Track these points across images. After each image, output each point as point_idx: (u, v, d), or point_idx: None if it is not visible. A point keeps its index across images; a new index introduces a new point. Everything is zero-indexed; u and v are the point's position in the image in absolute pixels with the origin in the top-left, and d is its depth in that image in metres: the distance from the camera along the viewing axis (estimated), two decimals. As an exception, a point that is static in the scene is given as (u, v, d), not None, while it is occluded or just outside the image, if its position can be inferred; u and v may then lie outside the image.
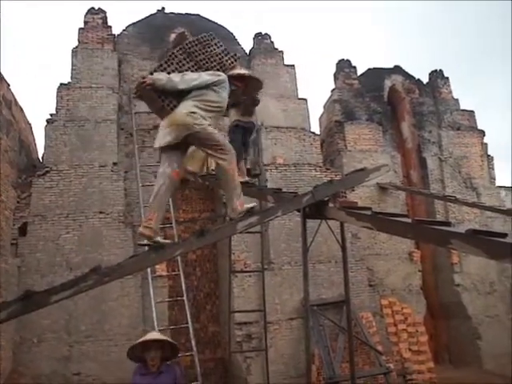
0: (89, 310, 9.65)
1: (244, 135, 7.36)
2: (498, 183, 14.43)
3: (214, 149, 4.52)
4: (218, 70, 4.81)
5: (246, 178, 7.17)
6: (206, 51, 4.86)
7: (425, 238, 3.72)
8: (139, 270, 7.42)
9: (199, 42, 4.87)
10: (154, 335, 5.05)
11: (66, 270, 9.75)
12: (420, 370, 10.90)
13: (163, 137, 4.48)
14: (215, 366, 11.09)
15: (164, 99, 4.46)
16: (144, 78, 4.42)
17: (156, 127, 11.45)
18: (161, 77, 4.45)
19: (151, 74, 4.43)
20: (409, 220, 3.73)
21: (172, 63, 4.62)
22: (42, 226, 10.01)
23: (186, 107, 4.46)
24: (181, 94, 4.51)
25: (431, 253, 13.26)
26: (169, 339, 5.00)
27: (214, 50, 4.90)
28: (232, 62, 4.97)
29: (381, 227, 4.03)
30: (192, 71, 4.66)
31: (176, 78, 4.50)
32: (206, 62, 4.80)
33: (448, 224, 3.46)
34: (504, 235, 2.98)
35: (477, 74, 49.77)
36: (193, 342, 9.62)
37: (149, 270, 9.60)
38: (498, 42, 51.86)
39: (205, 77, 4.61)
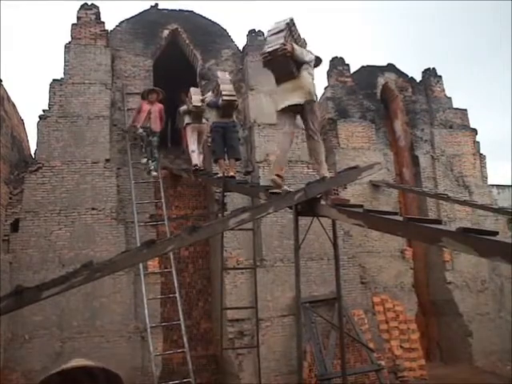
0: (81, 307, 9.64)
1: (224, 135, 8.61)
2: (493, 181, 14.50)
3: (316, 122, 5.70)
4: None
5: (231, 173, 8.36)
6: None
7: (415, 235, 3.76)
8: (130, 266, 7.44)
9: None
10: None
11: (59, 266, 9.72)
12: (411, 367, 10.96)
13: (290, 97, 5.51)
14: (207, 362, 11.11)
15: (293, 66, 5.48)
16: (284, 44, 5.40)
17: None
18: (296, 47, 5.48)
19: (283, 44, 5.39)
20: (400, 218, 3.76)
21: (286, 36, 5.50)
22: (34, 222, 9.98)
23: (308, 77, 5.57)
24: (298, 65, 5.54)
25: (423, 250, 13.30)
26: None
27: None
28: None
29: (372, 225, 4.06)
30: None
31: (302, 50, 5.57)
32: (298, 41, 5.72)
33: (439, 222, 3.49)
34: (494, 233, 3.01)
35: (473, 71, 49.97)
36: (185, 339, 9.62)
37: (141, 266, 9.59)
38: (494, 39, 52.08)
39: (310, 55, 5.70)
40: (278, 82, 5.86)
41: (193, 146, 9.85)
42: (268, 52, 5.46)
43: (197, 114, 9.97)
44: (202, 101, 9.53)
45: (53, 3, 45.41)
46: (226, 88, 8.40)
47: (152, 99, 10.88)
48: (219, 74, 9.18)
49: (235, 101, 8.58)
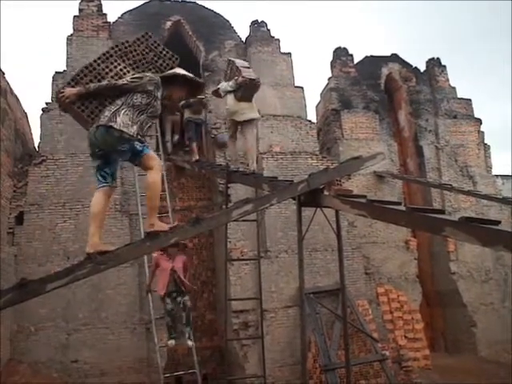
0: (86, 299, 9.69)
1: (196, 128, 11.16)
2: (497, 172, 14.45)
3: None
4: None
5: (197, 157, 10.49)
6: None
7: (419, 225, 3.75)
8: (134, 258, 7.45)
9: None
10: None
11: (63, 258, 9.76)
12: (415, 357, 10.99)
13: (248, 113, 8.03)
14: (212, 353, 11.16)
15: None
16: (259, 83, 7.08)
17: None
18: None
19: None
20: (403, 208, 3.75)
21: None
22: (38, 214, 10.01)
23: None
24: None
25: (427, 241, 13.30)
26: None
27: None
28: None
29: (375, 215, 4.05)
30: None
31: None
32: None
33: (442, 212, 3.48)
34: (497, 222, 3.00)
35: (477, 61, 49.69)
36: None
37: (145, 258, 9.62)
38: (497, 28, 51.73)
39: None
40: (241, 100, 7.81)
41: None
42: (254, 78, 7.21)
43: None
44: (217, 90, 8.67)
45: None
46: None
47: (172, 252, 7.81)
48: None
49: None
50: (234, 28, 13.05)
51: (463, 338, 12.49)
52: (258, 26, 13.02)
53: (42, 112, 10.75)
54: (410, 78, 14.47)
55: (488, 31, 54.10)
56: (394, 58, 14.66)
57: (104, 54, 4.55)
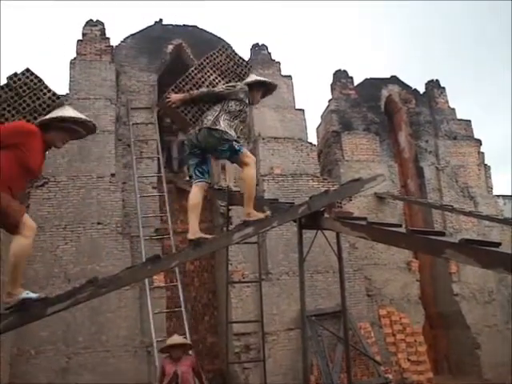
0: (87, 322, 9.63)
1: None
2: (497, 192, 14.45)
3: None
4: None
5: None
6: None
7: (419, 247, 3.75)
8: (136, 281, 7.44)
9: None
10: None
11: (64, 281, 9.74)
12: (419, 381, 10.86)
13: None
14: (213, 376, 11.04)
15: None
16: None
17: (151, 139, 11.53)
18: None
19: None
20: (403, 230, 3.75)
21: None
22: (40, 236, 9.98)
23: None
24: None
25: (429, 262, 13.25)
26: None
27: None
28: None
29: (375, 237, 4.06)
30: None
31: None
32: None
33: (442, 234, 3.48)
34: (497, 244, 3.00)
35: (477, 78, 50.01)
36: (191, 353, 9.57)
37: (147, 281, 9.59)
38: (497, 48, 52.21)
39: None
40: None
41: None
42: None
43: None
44: None
45: (59, 17, 45.94)
46: None
47: (176, 355, 6.78)
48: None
49: None
50: (235, 51, 13.16)
51: (467, 360, 12.36)
52: (258, 49, 13.17)
53: (44, 135, 10.80)
54: (410, 100, 14.57)
55: (489, 46, 54.60)
56: (394, 80, 14.79)
57: (199, 65, 5.27)
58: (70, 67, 11.57)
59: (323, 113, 14.38)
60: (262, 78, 5.38)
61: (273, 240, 10.76)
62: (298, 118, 12.66)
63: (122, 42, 12.61)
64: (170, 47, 12.78)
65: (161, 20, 13.20)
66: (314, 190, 10.66)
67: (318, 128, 14.81)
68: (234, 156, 4.75)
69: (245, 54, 14.51)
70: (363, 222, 4.12)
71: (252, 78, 5.27)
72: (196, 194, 4.81)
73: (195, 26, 13.35)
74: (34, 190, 10.29)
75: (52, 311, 3.77)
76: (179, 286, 10.23)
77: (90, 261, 9.98)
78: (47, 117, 3.83)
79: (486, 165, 14.31)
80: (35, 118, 3.94)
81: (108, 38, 12.18)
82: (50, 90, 4.14)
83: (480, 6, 51.94)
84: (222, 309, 10.61)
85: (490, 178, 14.29)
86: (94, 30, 12.13)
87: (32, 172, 3.76)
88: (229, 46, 5.57)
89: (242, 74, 5.43)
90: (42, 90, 4.11)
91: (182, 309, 10.00)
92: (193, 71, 5.19)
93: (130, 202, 10.82)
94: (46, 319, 4.53)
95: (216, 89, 4.99)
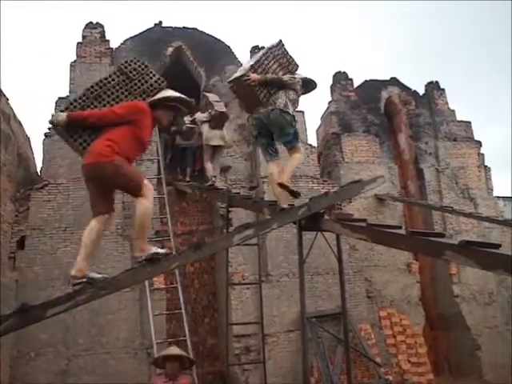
0: (86, 324, 9.63)
1: (184, 152, 11.24)
2: (497, 193, 14.43)
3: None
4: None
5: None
6: None
7: (419, 249, 3.76)
8: (135, 283, 7.43)
9: None
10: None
11: (64, 283, 9.69)
12: (419, 382, 10.85)
13: None
14: (213, 378, 11.04)
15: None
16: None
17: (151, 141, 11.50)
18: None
19: None
20: (403, 231, 3.76)
21: None
22: (40, 239, 10.01)
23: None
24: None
25: (430, 264, 13.24)
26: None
27: None
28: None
29: (375, 239, 4.06)
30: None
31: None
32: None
33: (442, 235, 3.49)
34: (497, 246, 3.01)
35: (477, 79, 50.03)
36: (191, 355, 9.58)
37: (147, 283, 9.57)
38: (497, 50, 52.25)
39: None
40: (214, 128, 7.98)
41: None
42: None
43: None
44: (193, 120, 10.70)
45: (58, 19, 45.96)
46: (219, 104, 10.05)
47: (173, 371, 5.68)
48: (210, 95, 10.69)
49: (227, 114, 10.24)
50: (235, 53, 13.18)
51: (467, 361, 12.35)
52: (258, 51, 13.13)
53: (44, 137, 10.82)
54: (410, 102, 14.57)
55: (489, 47, 54.64)
56: (394, 81, 14.79)
57: (265, 53, 5.78)
58: (70, 69, 11.58)
59: (323, 114, 14.38)
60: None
61: (273, 242, 10.76)
62: (297, 119, 12.60)
63: (121, 44, 12.59)
64: (170, 49, 12.77)
65: (160, 22, 13.20)
66: (314, 191, 10.64)
67: (317, 130, 14.80)
68: (293, 142, 5.32)
69: (244, 55, 14.56)
70: (363, 224, 4.12)
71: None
72: (275, 170, 5.45)
73: (195, 29, 13.34)
74: (34, 193, 10.30)
75: (52, 313, 3.77)
76: (179, 288, 10.20)
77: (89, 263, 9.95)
78: (156, 97, 4.38)
79: (486, 166, 14.29)
80: (144, 99, 4.44)
81: (108, 41, 12.18)
82: (155, 75, 4.66)
83: (480, 5, 51.97)
84: (222, 311, 10.60)
85: (490, 179, 14.27)
86: (93, 33, 12.14)
87: (144, 145, 4.33)
88: (283, 43, 6.07)
89: (291, 72, 5.95)
90: (148, 75, 4.62)
91: (182, 311, 9.97)
92: (261, 58, 5.71)
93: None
94: (46, 321, 4.53)
95: (284, 77, 5.61)
